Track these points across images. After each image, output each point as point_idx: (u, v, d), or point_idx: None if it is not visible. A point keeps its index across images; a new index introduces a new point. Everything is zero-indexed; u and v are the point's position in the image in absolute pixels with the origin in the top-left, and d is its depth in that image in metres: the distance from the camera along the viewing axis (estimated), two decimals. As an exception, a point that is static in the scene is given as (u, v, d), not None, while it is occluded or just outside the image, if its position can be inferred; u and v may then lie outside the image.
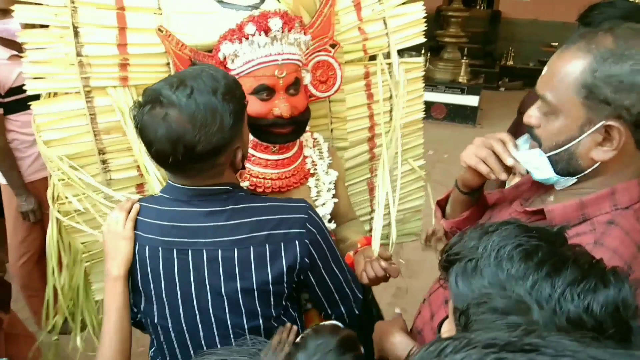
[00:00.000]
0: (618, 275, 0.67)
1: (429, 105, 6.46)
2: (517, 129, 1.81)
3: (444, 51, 7.16)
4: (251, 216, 1.16)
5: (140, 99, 1.10)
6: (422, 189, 1.96)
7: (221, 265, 1.15)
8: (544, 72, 0.98)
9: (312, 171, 1.55)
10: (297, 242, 1.17)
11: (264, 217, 1.16)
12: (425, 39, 1.75)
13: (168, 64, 1.48)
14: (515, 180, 1.32)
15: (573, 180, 1.00)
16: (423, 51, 6.93)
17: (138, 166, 1.58)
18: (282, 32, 1.32)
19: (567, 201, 1.00)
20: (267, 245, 1.15)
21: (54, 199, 1.54)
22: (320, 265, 1.23)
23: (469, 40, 7.21)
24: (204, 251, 1.15)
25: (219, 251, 1.14)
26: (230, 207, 1.16)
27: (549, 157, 0.98)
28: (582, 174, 0.97)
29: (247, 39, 1.30)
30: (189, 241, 1.15)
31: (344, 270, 1.30)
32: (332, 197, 1.58)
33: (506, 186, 1.42)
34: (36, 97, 1.44)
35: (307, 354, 0.93)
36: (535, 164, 1.00)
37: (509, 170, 1.06)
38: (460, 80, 6.85)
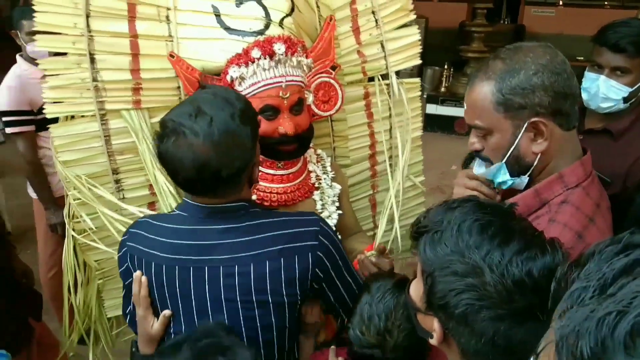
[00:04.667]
0: (554, 245, 0.82)
1: (452, 120, 6.47)
2: None
3: (467, 66, 6.95)
4: (266, 232, 1.19)
5: (159, 130, 1.14)
6: (423, 204, 2.03)
7: (237, 280, 1.17)
8: (465, 107, 1.18)
9: (316, 185, 1.61)
10: (310, 254, 1.20)
11: (278, 232, 1.19)
12: (420, 57, 1.85)
13: (178, 87, 1.57)
14: None
15: (526, 178, 1.18)
16: (446, 66, 6.94)
17: (150, 185, 1.65)
18: (286, 55, 1.40)
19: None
20: (281, 259, 1.18)
21: (70, 217, 1.61)
22: (334, 274, 1.26)
23: (493, 55, 6.98)
24: (221, 268, 1.17)
25: (236, 267, 1.17)
26: (245, 223, 1.19)
27: (505, 163, 1.17)
28: (532, 169, 1.16)
29: (253, 62, 1.39)
30: (205, 258, 1.17)
31: (356, 278, 1.34)
32: (337, 210, 1.64)
33: None
34: (56, 120, 1.53)
35: (370, 295, 1.14)
36: (496, 173, 1.19)
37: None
38: (483, 95, 6.62)
